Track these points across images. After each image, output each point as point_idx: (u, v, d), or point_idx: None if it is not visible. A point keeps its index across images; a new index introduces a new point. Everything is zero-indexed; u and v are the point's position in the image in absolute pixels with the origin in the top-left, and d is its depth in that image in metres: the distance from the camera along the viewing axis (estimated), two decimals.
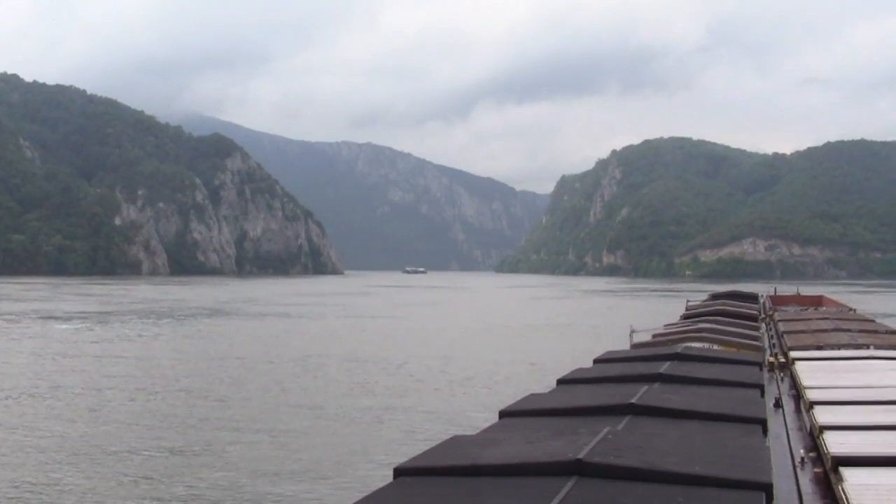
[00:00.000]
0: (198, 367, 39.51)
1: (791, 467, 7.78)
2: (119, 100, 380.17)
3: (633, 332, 23.50)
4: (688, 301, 35.36)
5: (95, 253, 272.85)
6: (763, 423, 8.66)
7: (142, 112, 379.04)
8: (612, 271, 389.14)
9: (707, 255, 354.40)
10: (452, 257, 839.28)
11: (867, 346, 16.40)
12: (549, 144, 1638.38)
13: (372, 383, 35.40)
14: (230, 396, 31.40)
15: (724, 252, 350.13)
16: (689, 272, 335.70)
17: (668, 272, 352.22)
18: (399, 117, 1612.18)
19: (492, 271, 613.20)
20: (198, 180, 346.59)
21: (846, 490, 6.16)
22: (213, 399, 30.66)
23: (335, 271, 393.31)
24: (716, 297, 35.28)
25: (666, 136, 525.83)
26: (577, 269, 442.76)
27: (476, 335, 59.66)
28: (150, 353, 44.68)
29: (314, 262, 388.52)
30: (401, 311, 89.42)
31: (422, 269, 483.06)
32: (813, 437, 8.57)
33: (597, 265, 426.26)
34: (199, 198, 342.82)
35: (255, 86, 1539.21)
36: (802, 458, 7.93)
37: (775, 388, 12.36)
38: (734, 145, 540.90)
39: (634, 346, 20.54)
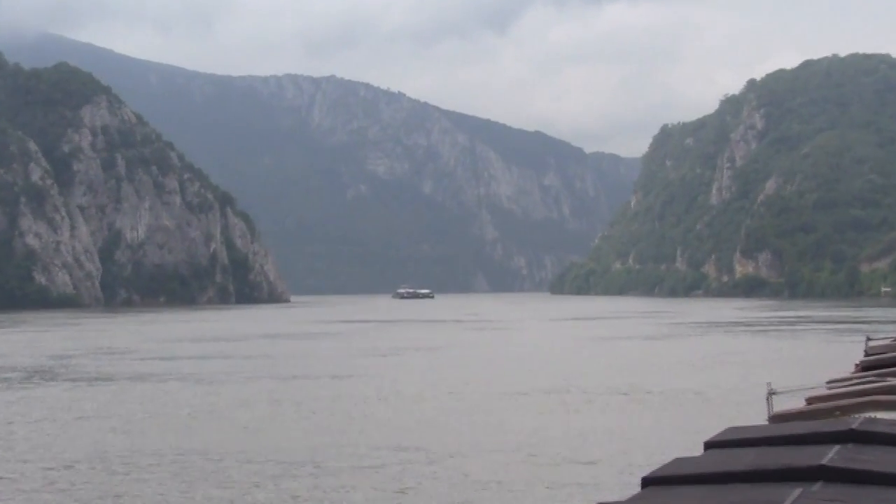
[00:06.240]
0: None
1: None
2: None
3: (771, 393, 22.66)
4: (868, 340, 34.15)
5: None
6: None
7: None
8: (750, 288, 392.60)
9: None
10: (477, 269, 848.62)
11: None
12: (641, 73, 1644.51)
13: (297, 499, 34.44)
14: None
15: None
16: (888, 288, 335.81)
17: (849, 288, 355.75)
18: (390, 35, 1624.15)
19: (545, 292, 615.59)
20: (33, 145, 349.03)
21: None
22: None
23: (275, 297, 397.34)
24: None
25: (843, 52, 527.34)
26: (690, 287, 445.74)
27: (501, 406, 59.36)
28: None
29: (238, 283, 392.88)
30: (374, 366, 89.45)
31: (425, 291, 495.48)
32: None
33: (724, 279, 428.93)
34: (35, 175, 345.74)
35: None
36: None
37: None
38: None
39: (775, 417, 20.34)
